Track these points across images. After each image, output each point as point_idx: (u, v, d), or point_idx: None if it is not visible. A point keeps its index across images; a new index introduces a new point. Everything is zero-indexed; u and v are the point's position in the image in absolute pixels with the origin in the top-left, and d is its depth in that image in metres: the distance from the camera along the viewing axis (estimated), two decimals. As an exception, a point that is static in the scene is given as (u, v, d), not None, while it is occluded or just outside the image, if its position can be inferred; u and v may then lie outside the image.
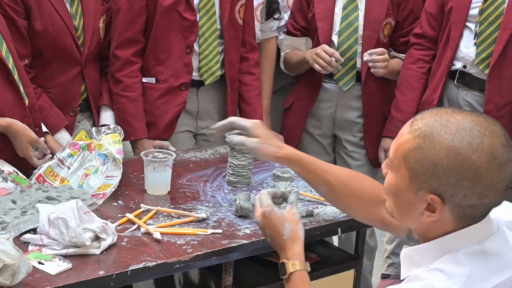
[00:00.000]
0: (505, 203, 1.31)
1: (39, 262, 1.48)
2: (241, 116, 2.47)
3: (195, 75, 2.40)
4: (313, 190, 1.93)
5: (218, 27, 2.40)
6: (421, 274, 1.21)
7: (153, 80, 2.37)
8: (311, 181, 1.78)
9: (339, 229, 1.85)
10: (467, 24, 2.35)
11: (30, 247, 1.57)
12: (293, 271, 1.53)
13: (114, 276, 1.49)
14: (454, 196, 1.17)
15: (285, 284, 1.56)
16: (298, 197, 1.75)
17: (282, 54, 2.74)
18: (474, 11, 2.33)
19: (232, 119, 1.87)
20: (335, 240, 2.40)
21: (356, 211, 1.69)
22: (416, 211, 1.23)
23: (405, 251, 1.28)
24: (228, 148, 1.99)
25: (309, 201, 1.94)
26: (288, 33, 2.71)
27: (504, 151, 1.17)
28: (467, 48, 2.36)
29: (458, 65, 2.39)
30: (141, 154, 2.00)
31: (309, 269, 1.62)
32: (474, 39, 2.34)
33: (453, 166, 1.17)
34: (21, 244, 1.56)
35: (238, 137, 1.81)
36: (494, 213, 1.27)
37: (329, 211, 1.88)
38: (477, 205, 1.18)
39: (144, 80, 2.37)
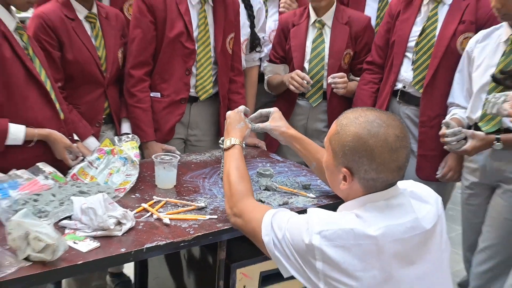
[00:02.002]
0: (412, 181, 1.47)
1: (74, 242, 1.51)
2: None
3: (192, 91, 2.42)
4: (288, 184, 2.05)
5: (212, 55, 2.42)
6: (344, 212, 1.36)
7: (158, 95, 2.39)
8: (306, 156, 1.93)
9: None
10: (406, 54, 2.43)
11: (67, 231, 1.59)
12: (234, 144, 1.80)
13: (132, 252, 1.53)
14: (359, 170, 1.31)
15: (225, 152, 1.83)
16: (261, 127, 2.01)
17: (265, 77, 2.78)
18: (411, 44, 2.41)
19: (260, 110, 2.07)
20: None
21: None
22: (337, 181, 1.37)
23: (340, 207, 1.42)
24: (222, 152, 1.97)
25: (285, 193, 1.98)
26: (270, 61, 2.76)
27: (397, 139, 1.29)
28: (406, 72, 2.43)
29: (399, 86, 2.47)
30: (153, 156, 2.03)
31: (244, 146, 1.91)
32: (411, 65, 2.41)
33: (356, 147, 1.30)
34: (59, 228, 1.59)
35: (257, 124, 2.01)
36: (402, 185, 1.40)
37: (300, 201, 1.92)
38: (376, 179, 1.31)
39: (151, 94, 2.38)
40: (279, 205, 1.89)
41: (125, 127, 2.41)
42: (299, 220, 1.37)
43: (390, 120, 1.33)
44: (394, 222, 1.31)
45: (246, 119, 1.98)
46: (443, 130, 2.13)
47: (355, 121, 1.34)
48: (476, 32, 2.26)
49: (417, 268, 1.33)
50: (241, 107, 1.99)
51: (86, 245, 1.53)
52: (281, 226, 1.39)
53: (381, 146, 1.29)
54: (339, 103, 2.63)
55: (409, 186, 1.44)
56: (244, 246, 1.72)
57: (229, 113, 1.96)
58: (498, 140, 2.08)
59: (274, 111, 2.03)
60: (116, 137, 2.13)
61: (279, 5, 2.94)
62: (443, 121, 2.18)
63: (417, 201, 1.39)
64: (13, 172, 1.87)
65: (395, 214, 1.33)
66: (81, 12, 2.24)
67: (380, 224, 1.29)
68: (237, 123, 1.90)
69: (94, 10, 2.28)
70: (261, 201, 1.90)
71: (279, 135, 1.99)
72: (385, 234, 1.28)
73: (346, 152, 1.33)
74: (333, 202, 1.89)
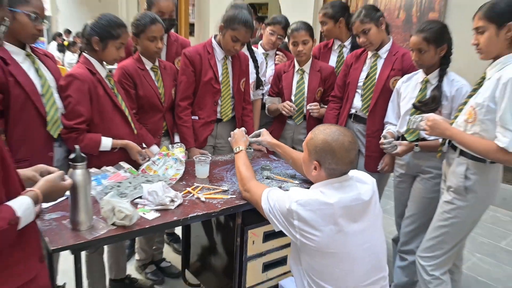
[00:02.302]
0: (357, 171, 1.52)
1: (143, 213, 1.56)
2: None
3: (218, 115, 2.42)
4: (281, 174, 2.05)
5: (231, 92, 2.42)
6: (313, 189, 1.41)
7: (196, 117, 2.39)
8: (285, 156, 1.99)
9: None
10: (357, 90, 2.42)
11: (139, 206, 1.63)
12: (241, 149, 1.89)
13: (181, 220, 1.59)
14: (325, 163, 1.36)
15: (235, 156, 1.88)
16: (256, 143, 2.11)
17: (266, 106, 2.78)
18: (360, 84, 2.40)
19: (255, 132, 2.16)
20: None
21: (301, 171, 1.84)
22: (310, 169, 1.42)
23: (311, 186, 1.45)
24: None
25: (279, 180, 1.98)
26: (269, 95, 2.77)
27: (350, 144, 1.35)
28: (357, 102, 2.43)
29: (353, 111, 2.46)
30: (193, 157, 2.08)
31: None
32: (360, 98, 2.41)
33: (324, 148, 1.36)
34: (134, 204, 1.62)
35: (254, 139, 2.10)
36: (352, 173, 1.45)
37: (289, 185, 1.91)
38: (335, 168, 1.37)
39: (192, 117, 2.38)
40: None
41: (176, 138, 2.40)
42: (284, 195, 1.42)
43: (345, 132, 1.39)
44: (344, 195, 1.36)
45: (247, 136, 2.09)
46: (382, 140, 2.14)
47: (323, 132, 1.40)
48: (402, 76, 2.26)
49: (359, 224, 1.38)
50: (242, 128, 2.10)
51: (151, 215, 1.58)
52: (273, 198, 1.45)
53: (339, 147, 1.35)
54: (314, 122, 2.62)
55: (356, 174, 1.48)
56: (253, 215, 1.73)
57: (235, 131, 2.07)
58: (417, 145, 2.09)
59: (263, 130, 2.13)
60: (170, 145, 2.14)
61: (275, 59, 2.94)
62: (382, 134, 2.18)
63: (360, 183, 1.44)
64: (104, 168, 1.89)
65: (346, 190, 1.38)
66: (148, 64, 2.25)
67: (335, 196, 1.35)
68: (241, 137, 1.99)
69: (156, 63, 2.29)
70: (264, 185, 1.92)
71: (266, 144, 2.07)
72: (338, 202, 1.34)
73: (317, 151, 1.39)
74: (308, 186, 1.86)
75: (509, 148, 1.58)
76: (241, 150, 1.89)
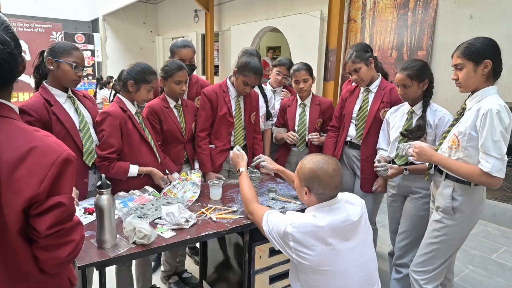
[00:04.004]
0: (348, 193, 1.46)
1: (161, 233, 1.53)
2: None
3: (232, 144, 2.39)
4: (285, 195, 2.00)
5: (243, 124, 2.41)
6: (306, 213, 1.35)
7: (213, 146, 2.37)
8: (287, 179, 1.94)
9: None
10: (352, 121, 2.37)
11: (158, 226, 1.59)
12: (243, 171, 1.82)
13: (194, 238, 1.55)
14: (313, 189, 1.31)
15: (239, 178, 1.80)
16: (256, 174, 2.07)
17: (274, 135, 2.75)
18: (354, 115, 2.35)
19: (259, 156, 2.09)
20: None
21: None
22: (302, 195, 1.36)
23: (306, 210, 1.40)
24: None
25: (283, 201, 1.93)
26: (276, 126, 2.74)
27: (334, 171, 1.29)
28: (352, 131, 2.37)
29: (348, 138, 2.40)
30: (208, 181, 2.05)
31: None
32: (355, 127, 2.35)
33: (311, 176, 1.30)
34: (154, 224, 1.60)
35: (261, 163, 2.04)
36: (342, 195, 1.39)
37: (291, 207, 1.86)
38: (323, 193, 1.31)
39: (210, 146, 2.37)
40: (279, 208, 1.83)
41: (196, 164, 2.39)
42: (281, 218, 1.37)
43: (329, 160, 1.34)
44: (334, 218, 1.30)
45: (254, 159, 2.09)
46: (376, 164, 2.07)
47: (310, 161, 1.35)
48: (390, 107, 2.21)
49: (350, 243, 1.32)
50: (235, 149, 2.00)
51: (168, 234, 1.55)
52: (271, 221, 1.39)
53: (324, 175, 1.30)
54: (315, 149, 2.58)
55: (345, 196, 1.42)
56: (259, 232, 1.65)
57: (231, 154, 1.97)
58: (406, 169, 2.02)
59: (266, 157, 2.08)
60: (189, 170, 2.13)
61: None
62: (376, 159, 2.12)
63: (349, 204, 1.37)
64: (131, 191, 1.89)
65: (335, 213, 1.32)
66: (172, 103, 2.26)
67: (326, 219, 1.28)
68: (237, 158, 1.91)
69: (179, 102, 2.30)
70: (269, 206, 1.86)
71: (271, 169, 2.01)
72: (328, 224, 1.28)
73: (306, 178, 1.34)
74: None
75: (492, 172, 1.51)
76: (243, 171, 1.82)
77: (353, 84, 2.41)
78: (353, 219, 1.33)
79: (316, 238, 1.26)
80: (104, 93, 7.34)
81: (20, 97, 6.85)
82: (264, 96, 2.70)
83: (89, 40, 9.44)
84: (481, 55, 1.59)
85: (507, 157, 1.56)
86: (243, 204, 1.69)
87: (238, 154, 1.93)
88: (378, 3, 4.98)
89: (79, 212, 1.64)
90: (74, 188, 1.21)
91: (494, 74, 1.62)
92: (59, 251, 0.87)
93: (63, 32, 8.24)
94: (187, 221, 1.61)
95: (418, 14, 4.50)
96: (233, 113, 2.37)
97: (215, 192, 1.95)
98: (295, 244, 1.28)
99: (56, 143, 0.87)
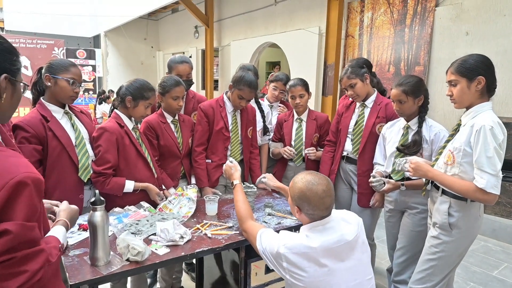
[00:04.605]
0: (345, 211, 1.43)
1: (155, 249, 1.51)
2: (251, 176, 2.50)
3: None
4: (281, 211, 1.97)
5: (239, 139, 2.41)
6: (300, 233, 1.32)
7: (210, 161, 2.36)
8: (286, 195, 1.90)
9: (293, 230, 1.79)
10: (348, 135, 2.37)
11: (152, 242, 1.57)
12: (237, 183, 1.75)
13: (188, 255, 1.51)
14: (303, 208, 1.29)
15: (233, 191, 1.74)
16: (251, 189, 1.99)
17: (271, 150, 2.74)
18: (350, 130, 2.36)
19: (260, 177, 2.09)
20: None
21: None
22: (294, 212, 1.34)
23: (300, 229, 1.38)
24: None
25: (279, 216, 1.90)
26: (272, 141, 2.74)
27: (323, 192, 1.26)
28: (348, 146, 2.37)
29: (345, 153, 2.39)
30: (204, 196, 2.04)
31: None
32: (351, 142, 2.35)
33: (300, 196, 1.28)
34: (148, 240, 1.58)
35: (263, 181, 2.05)
36: (338, 213, 1.37)
37: (288, 222, 1.85)
38: (313, 214, 1.28)
39: (206, 160, 2.36)
40: (276, 224, 1.82)
41: (193, 179, 2.38)
42: (274, 238, 1.34)
43: (320, 180, 1.31)
44: (327, 238, 1.27)
45: (257, 180, 2.09)
46: (371, 179, 2.06)
47: (300, 181, 1.33)
48: (386, 122, 2.22)
49: (346, 263, 1.29)
50: (228, 161, 1.93)
51: (162, 251, 1.52)
52: (265, 241, 1.37)
53: (313, 196, 1.27)
54: (312, 163, 2.58)
55: (341, 214, 1.40)
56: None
57: (224, 167, 1.91)
58: (403, 185, 2.01)
59: (269, 175, 2.07)
60: (185, 186, 2.11)
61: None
62: (371, 174, 2.11)
63: (345, 222, 1.35)
64: (127, 207, 1.88)
65: (329, 233, 1.29)
66: (169, 118, 2.27)
67: (319, 240, 1.26)
68: (230, 170, 1.86)
69: (176, 117, 2.31)
70: (265, 222, 1.85)
71: (272, 186, 2.00)
72: (321, 245, 1.25)
73: (296, 198, 1.32)
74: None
75: (487, 188, 1.51)
76: (237, 184, 1.76)
77: (350, 99, 2.42)
78: (347, 238, 1.30)
79: (309, 259, 1.24)
80: (104, 108, 7.38)
81: (21, 112, 6.89)
82: (261, 111, 2.71)
83: (91, 55, 9.55)
84: (475, 72, 1.60)
85: (506, 172, 1.56)
86: (238, 221, 1.65)
87: (231, 165, 1.87)
88: (375, 19, 5.05)
89: (73, 229, 1.63)
90: (72, 206, 1.21)
91: (488, 91, 1.63)
92: (7, 282, 0.79)
93: (65, 48, 8.35)
94: (181, 237, 1.59)
95: (415, 30, 4.57)
96: (230, 128, 2.37)
97: (211, 208, 1.93)
98: (288, 265, 1.25)
99: (14, 164, 0.81)
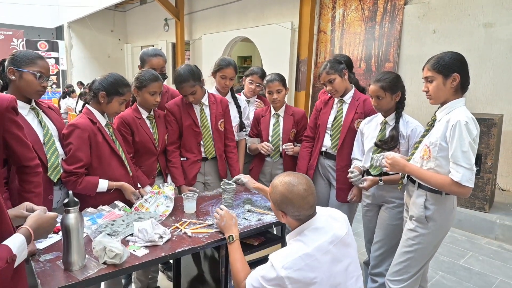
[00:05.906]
0: (330, 208, 1.43)
1: (134, 250, 1.46)
2: (230, 171, 2.46)
3: (203, 155, 2.36)
4: (261, 207, 1.96)
5: (211, 133, 2.35)
6: (291, 241, 1.29)
7: (184, 158, 2.33)
8: (265, 195, 1.87)
9: (273, 226, 1.83)
10: (326, 131, 2.38)
11: (130, 243, 1.51)
12: (236, 239, 1.55)
13: (168, 255, 1.48)
14: (288, 211, 1.26)
15: (229, 245, 1.55)
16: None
17: (248, 145, 2.71)
18: (329, 125, 2.37)
19: (237, 176, 2.04)
20: (275, 230, 2.30)
21: None
22: (280, 217, 1.31)
23: (287, 236, 1.34)
24: (222, 190, 1.97)
25: (259, 213, 1.89)
26: (250, 136, 2.71)
27: (305, 191, 1.24)
28: (327, 141, 2.38)
29: (323, 148, 2.40)
30: (182, 194, 1.99)
31: (242, 183, 1.96)
32: (330, 137, 2.36)
33: (283, 200, 1.26)
34: (125, 242, 1.52)
35: (241, 180, 2.00)
36: (324, 211, 1.36)
37: (268, 218, 1.83)
38: (299, 215, 1.26)
39: (181, 159, 2.32)
40: (256, 221, 1.80)
41: (169, 178, 2.33)
42: (265, 269, 1.26)
43: (299, 180, 1.28)
44: (322, 238, 1.25)
45: (233, 179, 2.04)
46: (350, 174, 2.08)
47: (279, 184, 1.30)
48: (364, 118, 2.24)
49: (343, 263, 1.28)
50: (224, 209, 1.70)
51: (141, 252, 1.47)
52: (256, 280, 1.28)
53: (296, 197, 1.25)
54: (289, 159, 2.58)
55: (328, 211, 1.38)
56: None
57: (222, 213, 1.66)
58: (380, 180, 2.05)
59: (247, 176, 2.04)
60: (161, 183, 2.04)
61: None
62: (350, 169, 2.14)
63: (333, 219, 1.34)
64: (100, 207, 1.80)
65: (321, 232, 1.27)
66: (144, 114, 2.20)
67: (314, 242, 1.24)
68: (230, 220, 1.63)
69: (152, 113, 2.23)
70: (245, 219, 1.82)
71: (251, 187, 1.97)
72: (317, 248, 1.22)
73: (279, 203, 1.29)
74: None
75: (462, 181, 1.56)
76: (235, 240, 1.56)
77: (328, 94, 2.44)
78: (339, 234, 1.28)
79: (312, 269, 1.19)
80: (69, 103, 7.02)
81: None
82: (238, 106, 2.67)
83: (53, 47, 9.06)
84: (450, 69, 1.65)
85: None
86: (233, 280, 1.48)
87: (231, 216, 1.66)
88: (347, 16, 5.13)
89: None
90: (46, 214, 1.11)
91: (462, 87, 1.68)
92: None
93: (24, 39, 7.86)
94: (161, 237, 1.54)
95: (385, 27, 4.68)
96: (199, 123, 2.33)
97: (189, 205, 1.89)
98: (295, 285, 1.17)
99: None
